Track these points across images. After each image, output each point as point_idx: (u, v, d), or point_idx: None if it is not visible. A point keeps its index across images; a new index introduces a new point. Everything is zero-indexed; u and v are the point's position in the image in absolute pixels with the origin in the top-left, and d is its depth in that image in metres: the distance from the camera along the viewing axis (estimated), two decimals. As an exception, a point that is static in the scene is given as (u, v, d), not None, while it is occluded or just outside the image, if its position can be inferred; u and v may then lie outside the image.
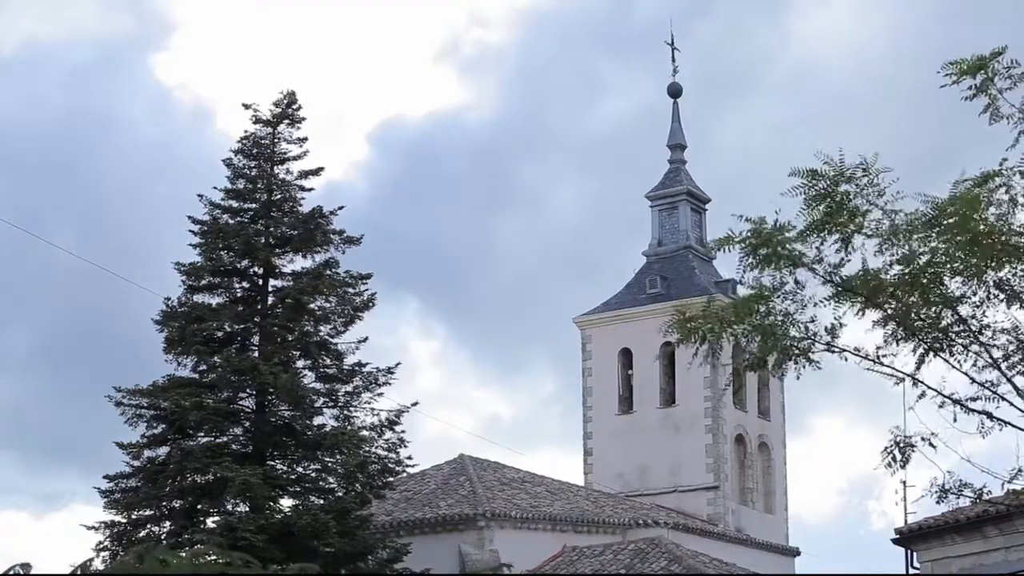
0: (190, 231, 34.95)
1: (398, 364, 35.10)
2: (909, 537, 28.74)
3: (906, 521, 29.18)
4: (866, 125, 79.13)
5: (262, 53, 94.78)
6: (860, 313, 15.95)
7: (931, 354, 15.88)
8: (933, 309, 15.73)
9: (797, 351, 16.06)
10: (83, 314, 74.34)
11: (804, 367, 16.21)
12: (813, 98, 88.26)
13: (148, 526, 33.86)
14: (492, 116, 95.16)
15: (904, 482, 29.09)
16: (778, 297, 16.09)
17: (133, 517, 33.75)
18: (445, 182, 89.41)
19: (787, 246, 15.91)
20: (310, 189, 35.50)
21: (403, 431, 34.78)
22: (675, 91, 52.08)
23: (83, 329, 74.82)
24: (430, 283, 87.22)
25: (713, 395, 46.84)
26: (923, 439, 15.78)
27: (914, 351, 15.95)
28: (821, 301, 16.05)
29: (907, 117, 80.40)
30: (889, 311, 15.84)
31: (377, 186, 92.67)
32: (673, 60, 52.22)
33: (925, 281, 15.56)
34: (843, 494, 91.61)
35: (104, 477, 33.94)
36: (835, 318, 16.03)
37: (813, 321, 16.08)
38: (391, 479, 35.46)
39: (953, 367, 15.90)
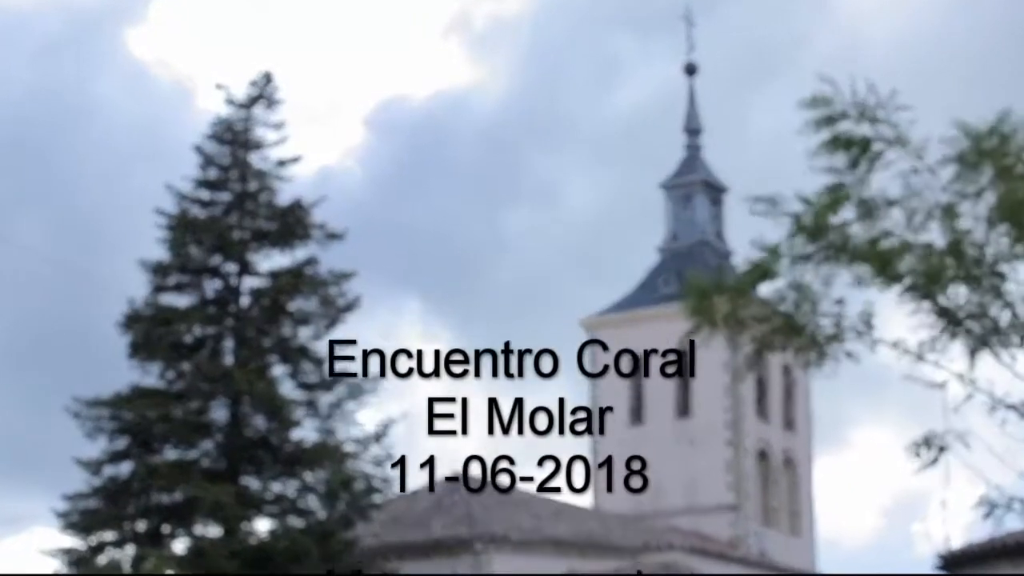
0: (158, 224, 34.16)
1: (388, 370, 34.68)
2: (953, 562, 28.22)
3: (948, 545, 28.06)
4: (912, 108, 75.96)
5: (249, 25, 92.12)
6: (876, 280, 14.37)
7: (982, 349, 14.35)
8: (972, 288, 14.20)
9: (825, 341, 14.72)
10: (48, 316, 71.71)
11: (840, 360, 14.73)
12: (852, 79, 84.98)
13: (109, 551, 32.77)
14: (502, 97, 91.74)
15: (944, 502, 27.72)
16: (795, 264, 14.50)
17: (93, 543, 32.67)
18: (450, 169, 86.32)
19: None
20: (289, 179, 34.80)
21: (392, 445, 33.85)
22: (691, 69, 50.78)
23: (48, 332, 72.17)
24: (433, 280, 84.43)
25: (733, 405, 45.86)
26: (957, 437, 14.44)
27: (964, 347, 14.33)
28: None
29: (958, 100, 77.07)
30: (912, 284, 14.25)
31: (375, 173, 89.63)
32: (689, 36, 50.87)
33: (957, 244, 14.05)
34: (887, 515, 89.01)
35: (62, 497, 32.94)
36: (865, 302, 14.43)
37: (841, 303, 14.63)
38: (378, 498, 34.14)
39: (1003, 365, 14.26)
